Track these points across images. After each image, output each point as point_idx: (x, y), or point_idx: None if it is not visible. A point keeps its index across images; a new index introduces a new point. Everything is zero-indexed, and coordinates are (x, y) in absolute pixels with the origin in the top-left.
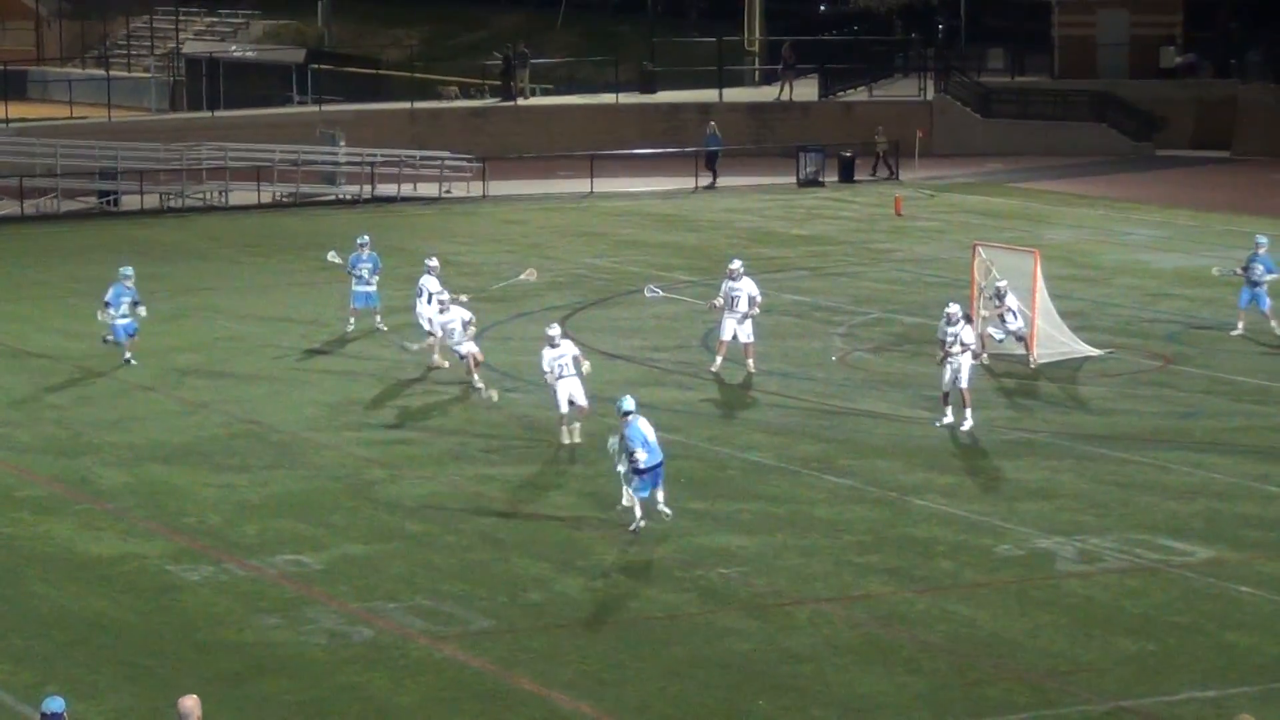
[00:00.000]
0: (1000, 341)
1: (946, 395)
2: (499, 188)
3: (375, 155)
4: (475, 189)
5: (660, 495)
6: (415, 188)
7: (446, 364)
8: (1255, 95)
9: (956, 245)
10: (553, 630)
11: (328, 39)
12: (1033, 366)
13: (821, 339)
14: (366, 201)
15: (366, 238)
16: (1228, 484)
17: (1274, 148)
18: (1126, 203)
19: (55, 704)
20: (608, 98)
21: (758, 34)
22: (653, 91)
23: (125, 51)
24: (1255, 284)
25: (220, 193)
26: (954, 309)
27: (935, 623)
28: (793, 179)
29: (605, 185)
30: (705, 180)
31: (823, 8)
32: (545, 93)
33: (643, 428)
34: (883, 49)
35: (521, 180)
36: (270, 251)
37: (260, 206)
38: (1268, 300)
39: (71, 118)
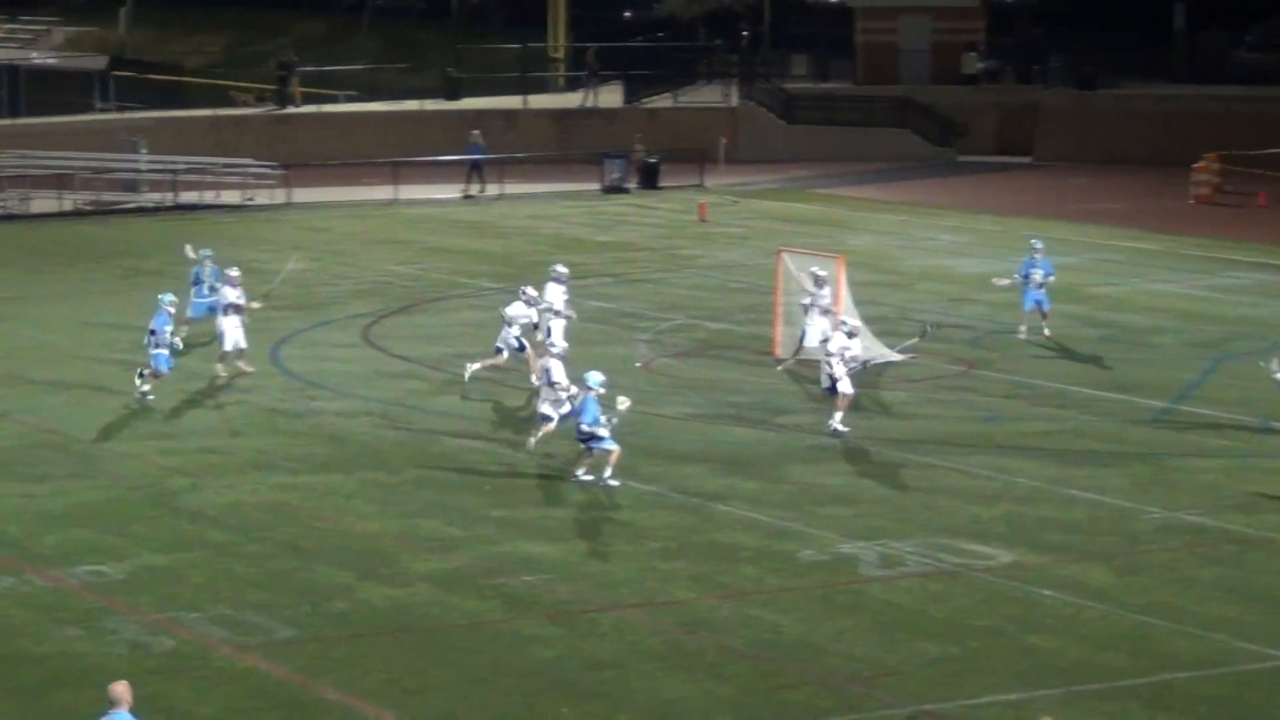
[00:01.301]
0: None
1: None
2: (303, 195)
3: (178, 163)
4: (279, 196)
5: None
6: (218, 195)
7: (253, 370)
8: (1056, 101)
9: (761, 251)
10: (356, 639)
11: (130, 46)
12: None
13: (625, 345)
14: (169, 209)
15: (209, 251)
16: (1029, 488)
17: (1075, 153)
18: (929, 208)
19: None
20: (412, 105)
21: (562, 40)
22: (457, 98)
23: None
24: (1039, 286)
25: (20, 201)
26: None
27: (739, 628)
28: (597, 185)
29: (409, 192)
30: (475, 189)
31: (627, 14)
32: (350, 99)
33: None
34: (687, 55)
35: (325, 187)
36: (72, 260)
37: (62, 215)
38: (1049, 303)
39: None
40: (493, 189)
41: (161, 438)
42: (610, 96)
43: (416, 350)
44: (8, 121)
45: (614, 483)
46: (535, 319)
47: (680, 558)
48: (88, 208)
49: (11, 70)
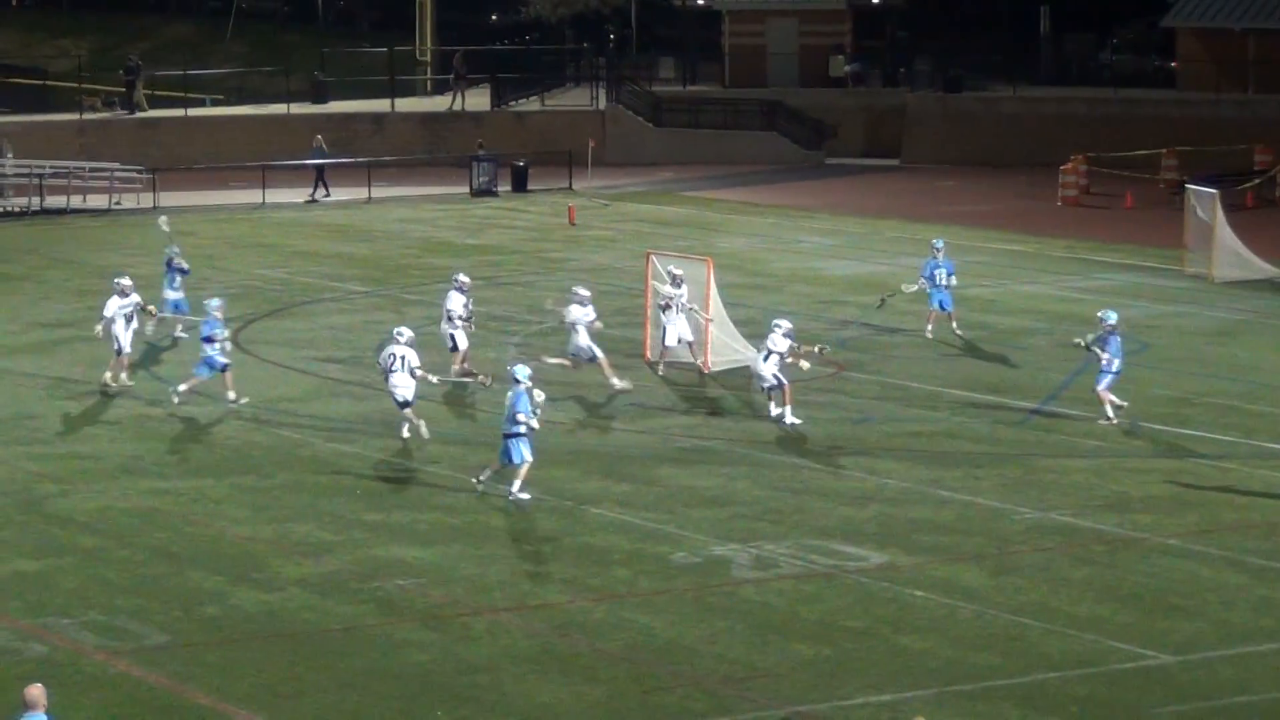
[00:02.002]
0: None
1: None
2: (170, 199)
3: (44, 167)
4: (146, 200)
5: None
6: (85, 199)
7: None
8: (923, 103)
9: (630, 254)
10: (229, 644)
11: None
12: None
13: (496, 348)
14: (35, 214)
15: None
16: (900, 489)
17: (942, 155)
18: (798, 210)
19: None
20: (279, 108)
21: (429, 44)
22: (324, 101)
23: None
24: (944, 286)
25: None
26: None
27: (612, 631)
28: (466, 189)
29: (277, 196)
30: (319, 193)
31: (494, 17)
32: (216, 103)
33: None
34: (554, 58)
35: (193, 191)
36: None
37: None
38: (951, 303)
39: None
40: (360, 193)
41: (30, 443)
42: (478, 100)
43: (287, 355)
44: None
45: (524, 496)
46: (593, 317)
47: (553, 561)
48: None
49: None
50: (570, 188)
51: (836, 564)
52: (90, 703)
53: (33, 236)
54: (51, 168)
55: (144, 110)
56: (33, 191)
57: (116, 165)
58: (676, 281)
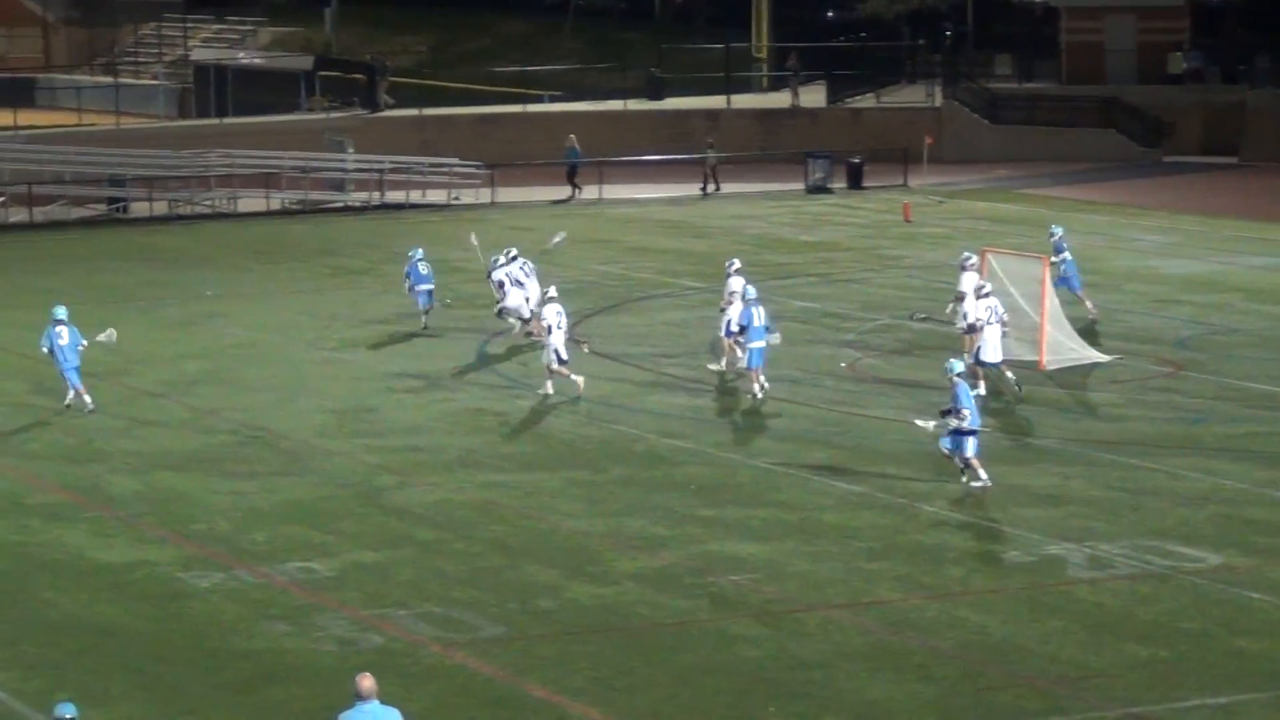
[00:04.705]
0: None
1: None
2: (507, 194)
3: (384, 162)
4: (484, 196)
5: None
6: (424, 194)
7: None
8: (1263, 101)
9: (965, 251)
10: (563, 637)
11: (335, 46)
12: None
13: (830, 345)
14: (375, 208)
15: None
16: (1237, 490)
17: None
18: (1135, 208)
19: (66, 710)
20: (615, 104)
21: (765, 41)
22: (660, 98)
23: (133, 58)
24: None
25: (229, 200)
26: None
27: (945, 629)
28: (800, 185)
29: (613, 192)
30: (576, 193)
31: (830, 14)
32: (553, 100)
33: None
34: (890, 55)
35: (530, 187)
36: (278, 259)
37: (269, 213)
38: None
39: (80, 125)
40: (693, 189)
41: (369, 435)
42: (813, 97)
43: (622, 349)
44: (215, 121)
45: (975, 485)
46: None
47: (886, 558)
48: (295, 207)
49: (219, 70)
50: (905, 185)
51: (1172, 565)
52: (426, 693)
53: (372, 231)
54: (391, 163)
55: (388, 108)
56: (373, 186)
57: (455, 160)
58: (960, 296)
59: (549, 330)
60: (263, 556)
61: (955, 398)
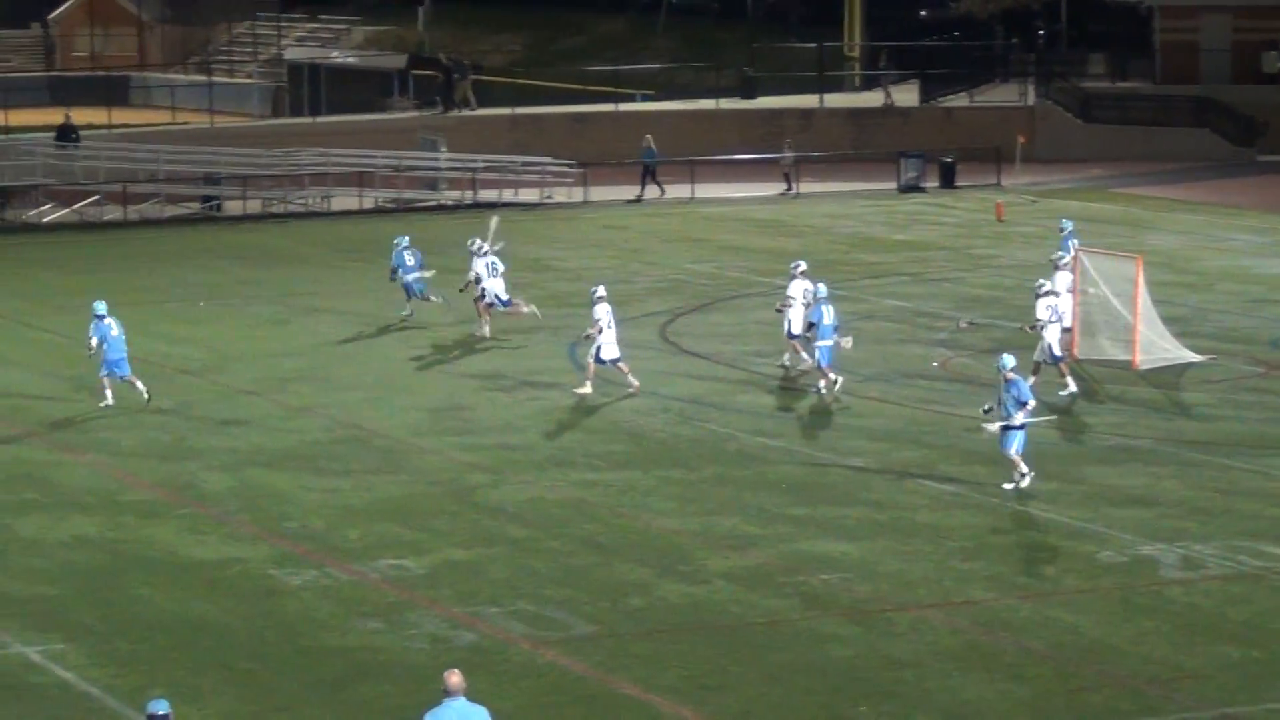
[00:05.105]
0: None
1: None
2: (600, 193)
3: (477, 161)
4: (576, 194)
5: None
6: (517, 193)
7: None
8: None
9: (1058, 251)
10: (654, 635)
11: (428, 45)
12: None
13: (922, 345)
14: (468, 207)
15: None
16: None
17: None
18: (1228, 208)
19: (160, 707)
20: (708, 103)
21: (858, 39)
22: (752, 97)
23: (227, 57)
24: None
25: (322, 198)
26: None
27: (1037, 629)
28: (893, 184)
29: (705, 190)
30: (650, 192)
31: (923, 13)
32: (646, 99)
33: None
34: (983, 54)
35: (622, 186)
36: (372, 257)
37: (362, 212)
38: None
39: (174, 124)
40: (783, 187)
41: (461, 434)
42: (906, 95)
43: (714, 348)
44: (309, 120)
45: (1007, 486)
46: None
47: (978, 558)
48: (388, 205)
49: (313, 69)
50: (998, 184)
51: (1265, 565)
52: (518, 691)
53: (465, 229)
54: (484, 161)
55: (471, 109)
56: (466, 185)
57: (548, 159)
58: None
59: (600, 329)
60: (355, 554)
61: (1018, 390)
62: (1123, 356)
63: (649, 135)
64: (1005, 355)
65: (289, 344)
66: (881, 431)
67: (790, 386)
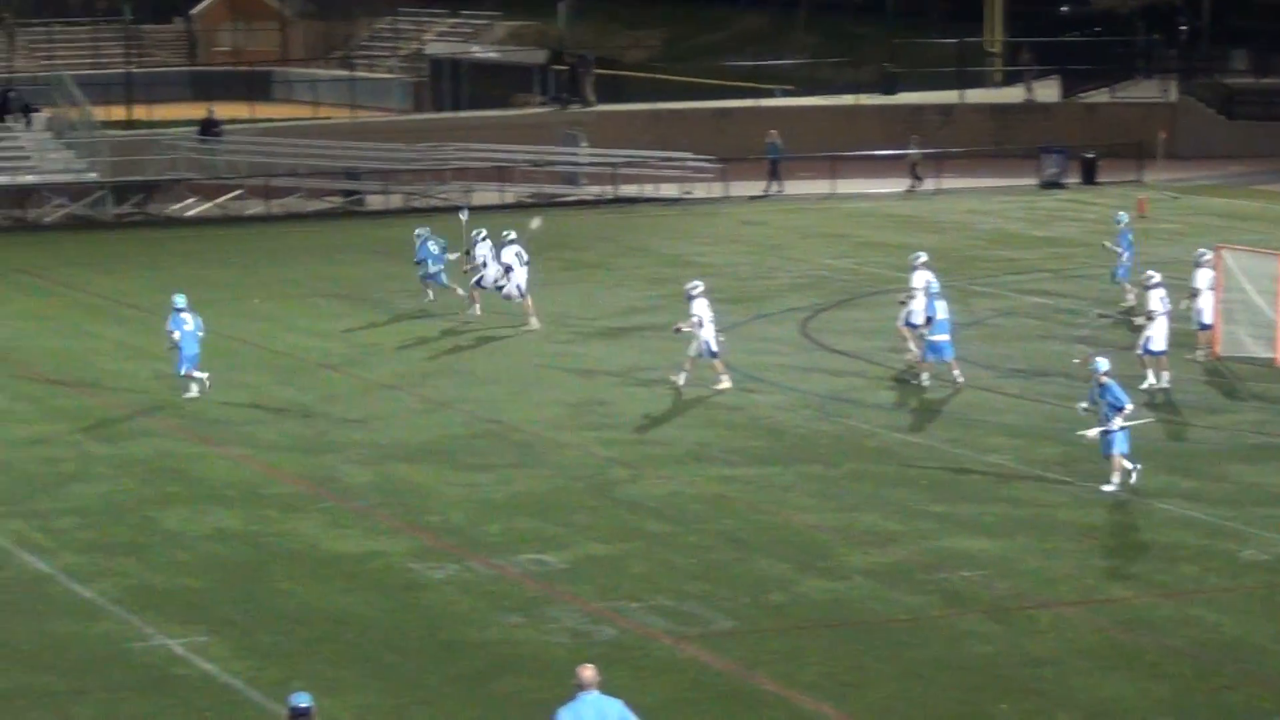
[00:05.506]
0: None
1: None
2: (739, 189)
3: (617, 156)
4: (716, 190)
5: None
6: (657, 188)
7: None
8: None
9: (1200, 248)
10: (794, 631)
11: (569, 40)
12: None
13: (1063, 341)
14: (609, 202)
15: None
16: None
17: None
18: None
19: (302, 700)
20: (847, 99)
21: (998, 35)
22: (893, 92)
23: (369, 52)
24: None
25: (463, 192)
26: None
27: (1178, 627)
28: (1034, 180)
29: (846, 186)
30: (773, 188)
31: (1064, 8)
32: (785, 94)
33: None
34: (1125, 50)
35: (763, 181)
36: None
37: (503, 207)
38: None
39: (316, 118)
40: (928, 184)
41: (601, 428)
42: (1047, 91)
43: (854, 344)
44: (450, 114)
45: (1107, 489)
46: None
47: (1119, 556)
48: (528, 200)
49: (454, 64)
50: (1140, 180)
51: None
52: (659, 686)
53: (607, 224)
54: (625, 157)
55: (592, 105)
56: (607, 180)
57: (688, 155)
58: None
59: (699, 324)
60: (496, 548)
61: (1113, 395)
62: (1264, 354)
63: (774, 131)
64: (1099, 358)
65: (429, 338)
66: (1022, 428)
67: (906, 379)
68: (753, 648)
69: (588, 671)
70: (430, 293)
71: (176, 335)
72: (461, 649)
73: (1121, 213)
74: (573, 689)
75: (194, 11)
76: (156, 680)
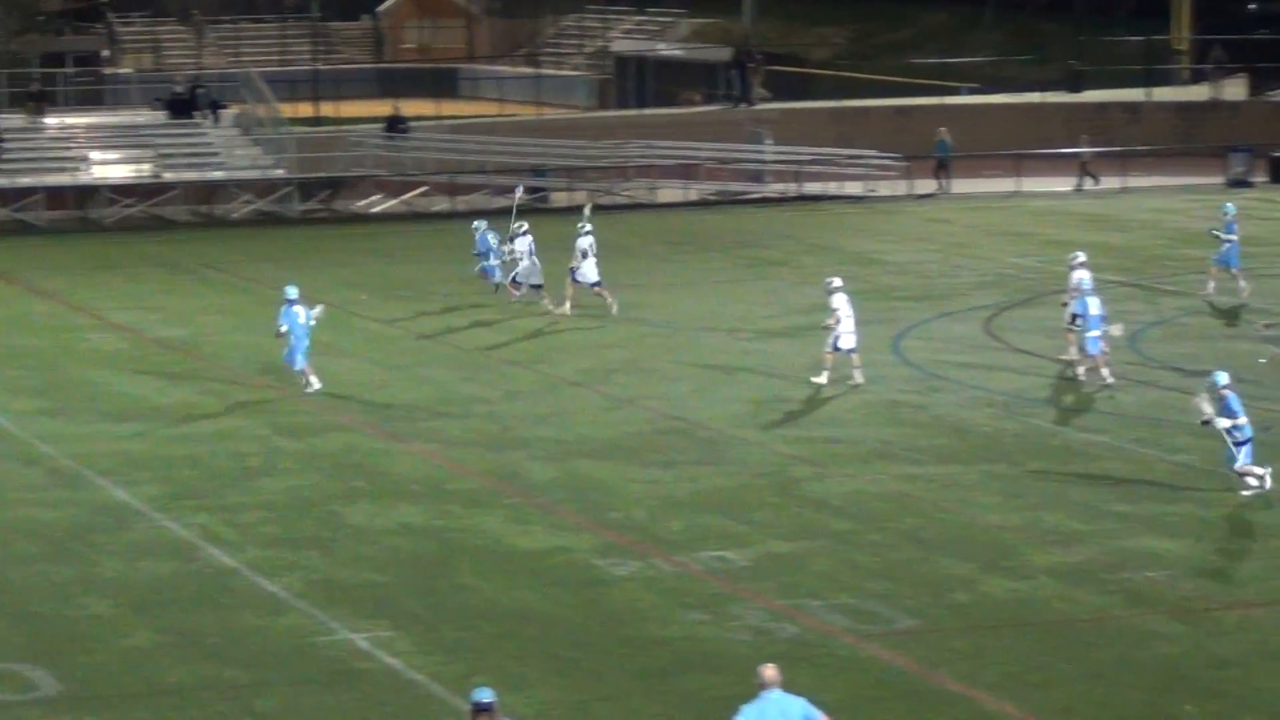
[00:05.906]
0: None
1: None
2: (924, 187)
3: (802, 153)
4: (900, 188)
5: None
6: (841, 186)
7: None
8: None
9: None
10: (977, 631)
11: (754, 38)
12: None
13: (1250, 341)
14: (793, 200)
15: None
16: None
17: None
18: None
19: (485, 695)
20: (1033, 97)
21: (1186, 32)
22: (1079, 90)
23: (555, 50)
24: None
25: (648, 190)
26: None
27: None
28: (1220, 179)
29: (1031, 185)
30: (936, 186)
31: (1253, 6)
32: (970, 92)
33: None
34: None
35: (932, 180)
36: (696, 249)
37: (687, 204)
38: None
39: (501, 115)
40: (1114, 182)
41: (784, 426)
42: (1235, 89)
43: (1039, 343)
44: (634, 112)
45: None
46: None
47: None
48: (713, 197)
49: (639, 61)
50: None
51: None
52: (840, 684)
53: (791, 222)
54: (810, 154)
55: (760, 102)
56: (791, 178)
57: (873, 153)
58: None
59: (837, 320)
60: (679, 545)
61: (1229, 408)
62: None
63: (943, 129)
64: (1219, 372)
65: (613, 335)
66: (1206, 428)
67: (1116, 382)
68: (935, 647)
69: (770, 670)
70: (495, 283)
71: (285, 328)
72: (644, 645)
73: (1229, 204)
74: (755, 688)
75: (381, 9)
76: (340, 674)
